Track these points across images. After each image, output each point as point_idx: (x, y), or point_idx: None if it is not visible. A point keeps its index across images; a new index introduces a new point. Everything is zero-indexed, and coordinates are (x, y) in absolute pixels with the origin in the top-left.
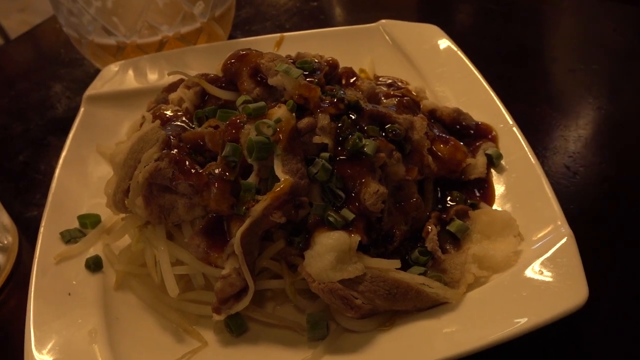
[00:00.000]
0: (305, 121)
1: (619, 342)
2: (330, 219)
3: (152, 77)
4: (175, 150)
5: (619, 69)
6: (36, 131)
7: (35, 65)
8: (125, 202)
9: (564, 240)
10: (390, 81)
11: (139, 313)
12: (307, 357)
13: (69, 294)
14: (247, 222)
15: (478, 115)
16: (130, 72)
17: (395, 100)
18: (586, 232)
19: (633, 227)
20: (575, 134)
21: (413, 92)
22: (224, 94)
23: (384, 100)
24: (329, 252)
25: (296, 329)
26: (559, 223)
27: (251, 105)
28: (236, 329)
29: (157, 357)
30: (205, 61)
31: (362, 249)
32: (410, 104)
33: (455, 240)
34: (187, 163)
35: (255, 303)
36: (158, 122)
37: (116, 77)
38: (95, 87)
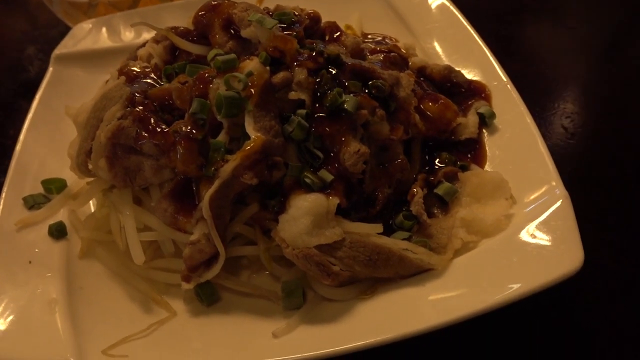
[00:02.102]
0: (280, 75)
1: (615, 308)
2: (307, 180)
3: (126, 35)
4: (140, 107)
5: (620, 27)
6: (6, 95)
7: (7, 27)
8: (89, 164)
9: (559, 202)
10: (378, 38)
11: (104, 282)
12: (281, 327)
13: (30, 262)
14: (216, 183)
15: (471, 73)
16: (103, 31)
17: (381, 56)
18: (583, 194)
19: (631, 190)
20: (574, 94)
21: (402, 49)
22: (194, 48)
23: (370, 57)
24: (304, 215)
25: (271, 297)
26: (554, 184)
27: (220, 58)
28: (207, 298)
29: (123, 328)
30: (184, 18)
31: (342, 212)
32: (398, 60)
33: (443, 204)
34: (152, 121)
35: (229, 271)
36: (123, 78)
37: (88, 35)
38: (66, 46)
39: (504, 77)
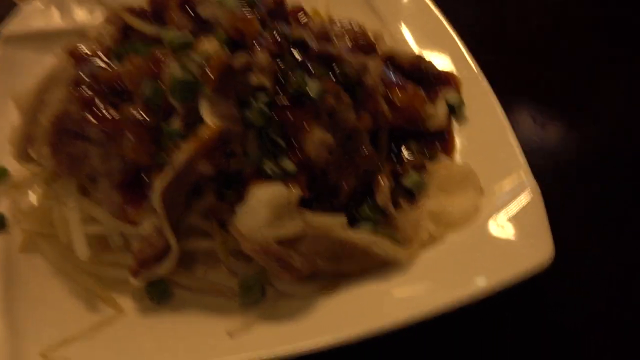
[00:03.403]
0: (240, 59)
1: (585, 304)
2: (267, 169)
3: (82, 15)
4: (87, 90)
5: (596, 15)
6: None
7: None
8: (31, 151)
9: (529, 194)
10: (346, 23)
11: (47, 278)
12: (237, 326)
13: None
14: (169, 173)
15: (440, 62)
16: (56, 9)
17: (348, 42)
18: (553, 186)
19: (602, 182)
20: (545, 85)
21: (370, 35)
22: (148, 28)
23: (336, 42)
24: (264, 207)
25: (227, 294)
26: (524, 176)
27: (176, 39)
28: (158, 295)
29: (65, 327)
30: None
31: (305, 204)
32: (365, 46)
33: (410, 195)
34: (100, 105)
35: (183, 266)
36: (70, 59)
37: (40, 14)
38: (15, 26)
39: (474, 66)
